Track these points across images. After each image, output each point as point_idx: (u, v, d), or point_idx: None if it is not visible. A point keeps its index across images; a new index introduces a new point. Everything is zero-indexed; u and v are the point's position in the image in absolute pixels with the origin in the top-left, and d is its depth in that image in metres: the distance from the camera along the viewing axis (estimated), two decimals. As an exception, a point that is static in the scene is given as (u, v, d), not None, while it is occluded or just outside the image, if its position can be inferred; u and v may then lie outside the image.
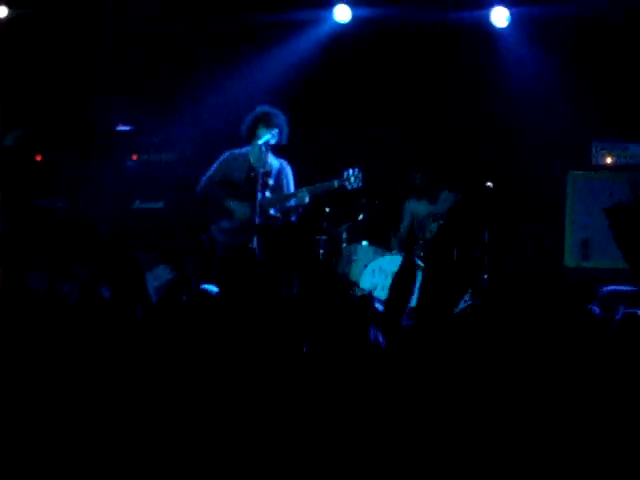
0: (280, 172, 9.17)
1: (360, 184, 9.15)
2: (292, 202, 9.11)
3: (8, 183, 10.67)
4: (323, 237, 10.50)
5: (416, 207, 10.55)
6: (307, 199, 9.07)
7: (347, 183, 9.09)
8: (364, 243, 10.44)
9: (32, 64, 11.28)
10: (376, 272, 10.18)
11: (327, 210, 10.45)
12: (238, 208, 9.11)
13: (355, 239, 10.51)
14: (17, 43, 11.18)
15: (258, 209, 8.91)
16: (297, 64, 10.94)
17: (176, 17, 10.94)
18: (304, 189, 9.11)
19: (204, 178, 9.29)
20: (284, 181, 9.17)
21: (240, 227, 9.08)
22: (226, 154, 9.28)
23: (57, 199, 10.87)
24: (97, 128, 11.10)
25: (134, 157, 10.98)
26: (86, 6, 11.12)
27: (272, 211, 9.07)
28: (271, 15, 10.76)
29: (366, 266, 10.26)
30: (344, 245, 10.55)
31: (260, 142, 9.04)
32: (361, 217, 10.52)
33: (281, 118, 9.13)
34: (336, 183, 9.09)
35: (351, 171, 9.10)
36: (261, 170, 8.97)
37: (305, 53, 10.98)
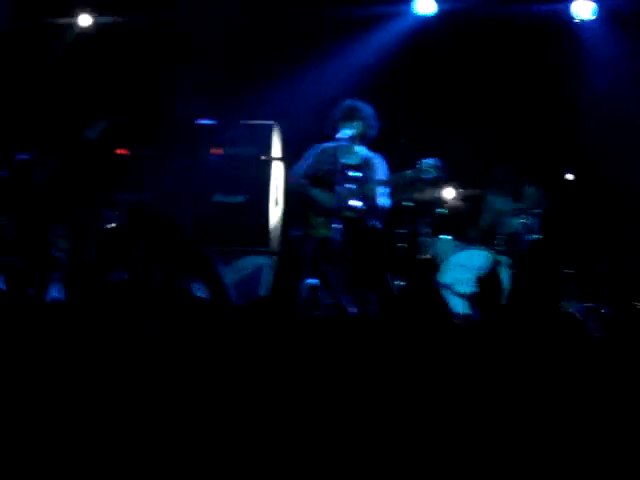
0: (366, 164, 9.09)
1: (437, 174, 9.01)
2: (370, 193, 9.04)
3: (92, 176, 10.80)
4: (404, 230, 10.45)
5: (499, 202, 10.45)
6: (378, 189, 9.01)
7: (423, 173, 8.96)
8: (445, 237, 10.38)
9: (115, 59, 11.43)
10: (457, 266, 10.12)
11: (408, 203, 10.40)
12: (326, 200, 9.06)
13: (436, 233, 10.45)
14: (102, 41, 11.36)
15: (337, 201, 8.88)
16: (382, 57, 10.94)
17: (259, 11, 10.98)
18: (376, 180, 9.05)
19: (294, 173, 9.24)
20: (371, 173, 9.09)
21: (328, 220, 9.06)
22: (316, 149, 9.22)
23: (140, 192, 10.97)
24: (179, 121, 11.17)
25: (215, 151, 11.03)
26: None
27: (353, 202, 9.00)
28: (355, 8, 10.77)
29: (447, 260, 10.20)
30: (425, 239, 10.49)
31: (339, 136, 9.00)
32: (442, 211, 10.45)
33: (366, 111, 9.05)
34: (410, 173, 8.98)
35: (429, 161, 8.96)
36: (341, 162, 8.93)
37: (390, 46, 10.98)
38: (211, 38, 11.12)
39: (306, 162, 9.19)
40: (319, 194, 9.05)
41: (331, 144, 9.15)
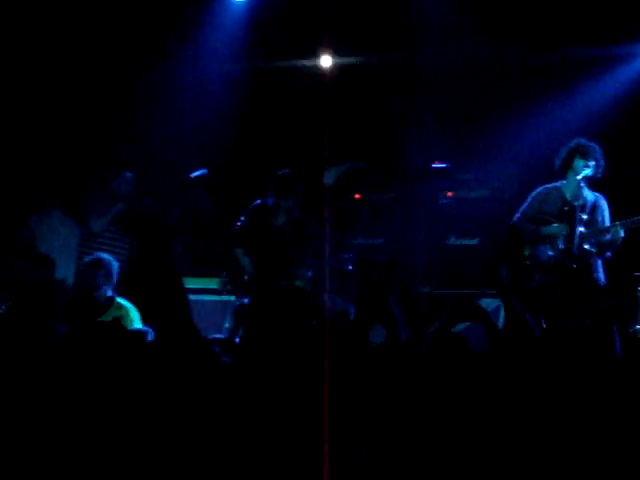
0: (595, 206, 9.04)
1: None
2: (607, 237, 8.94)
3: (329, 221, 11.07)
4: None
5: None
6: (622, 233, 8.88)
7: None
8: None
9: (351, 103, 11.73)
10: None
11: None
12: (559, 230, 9.04)
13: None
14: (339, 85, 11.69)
15: (577, 242, 8.84)
16: (612, 98, 10.79)
17: (488, 53, 11.05)
18: (617, 223, 8.94)
19: (517, 214, 9.31)
20: (599, 216, 9.02)
21: (555, 262, 9.05)
22: (539, 189, 9.26)
23: (375, 237, 11.17)
24: (413, 165, 11.33)
25: (449, 194, 11.11)
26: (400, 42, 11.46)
27: (586, 246, 8.93)
28: (586, 48, 10.68)
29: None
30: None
31: (578, 177, 8.96)
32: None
33: (597, 151, 9.01)
34: None
35: None
36: (575, 203, 8.89)
37: (621, 87, 10.82)
38: (443, 81, 11.26)
39: (528, 203, 9.25)
40: (551, 228, 9.05)
41: (557, 184, 9.16)
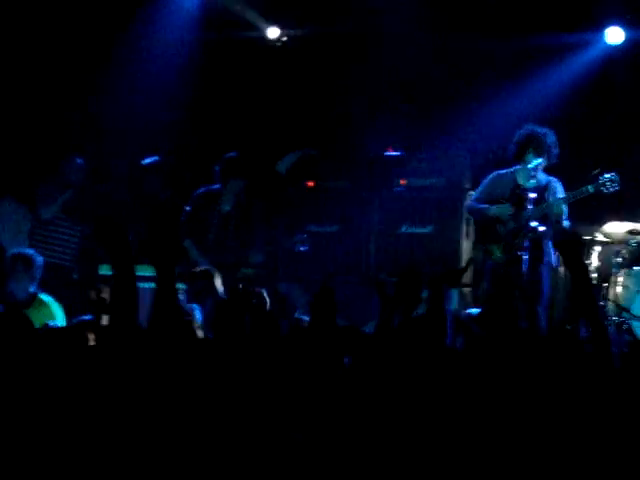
0: (546, 188, 9.13)
1: (617, 188, 8.96)
2: (548, 212, 9.04)
3: (282, 208, 11.05)
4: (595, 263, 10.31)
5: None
6: (564, 207, 8.99)
7: (603, 188, 8.94)
8: (637, 268, 10.16)
9: (299, 87, 11.69)
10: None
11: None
12: (505, 211, 9.13)
13: (628, 264, 10.25)
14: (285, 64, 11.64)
15: (525, 221, 8.94)
16: (565, 86, 10.86)
17: (441, 40, 11.06)
18: (559, 198, 9.05)
19: (471, 199, 9.42)
20: (550, 196, 9.11)
21: (504, 243, 9.12)
22: (493, 174, 9.37)
23: (328, 225, 11.16)
24: (367, 154, 11.32)
25: (402, 182, 11.11)
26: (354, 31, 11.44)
27: (534, 224, 9.01)
28: (540, 37, 10.73)
29: (639, 292, 10.00)
30: (615, 270, 10.31)
31: (530, 167, 9.06)
32: (634, 243, 10.24)
33: (550, 139, 9.11)
34: (591, 188, 8.96)
35: (607, 175, 8.94)
36: (526, 186, 9.01)
37: (575, 75, 10.89)
38: (397, 69, 11.26)
39: (481, 187, 9.36)
40: (495, 208, 9.14)
41: (511, 169, 9.25)
